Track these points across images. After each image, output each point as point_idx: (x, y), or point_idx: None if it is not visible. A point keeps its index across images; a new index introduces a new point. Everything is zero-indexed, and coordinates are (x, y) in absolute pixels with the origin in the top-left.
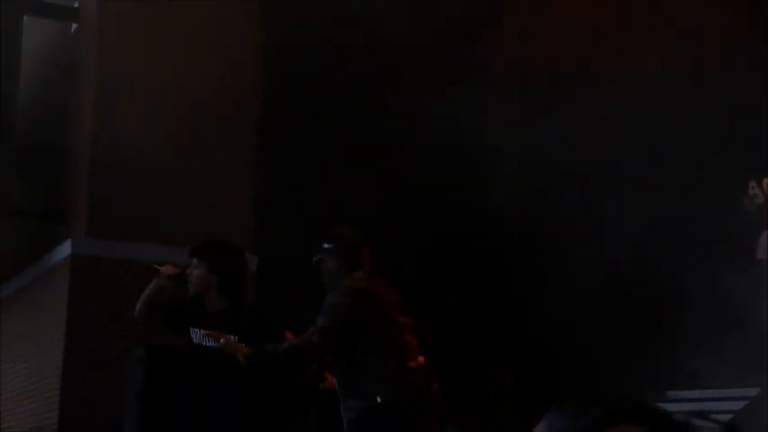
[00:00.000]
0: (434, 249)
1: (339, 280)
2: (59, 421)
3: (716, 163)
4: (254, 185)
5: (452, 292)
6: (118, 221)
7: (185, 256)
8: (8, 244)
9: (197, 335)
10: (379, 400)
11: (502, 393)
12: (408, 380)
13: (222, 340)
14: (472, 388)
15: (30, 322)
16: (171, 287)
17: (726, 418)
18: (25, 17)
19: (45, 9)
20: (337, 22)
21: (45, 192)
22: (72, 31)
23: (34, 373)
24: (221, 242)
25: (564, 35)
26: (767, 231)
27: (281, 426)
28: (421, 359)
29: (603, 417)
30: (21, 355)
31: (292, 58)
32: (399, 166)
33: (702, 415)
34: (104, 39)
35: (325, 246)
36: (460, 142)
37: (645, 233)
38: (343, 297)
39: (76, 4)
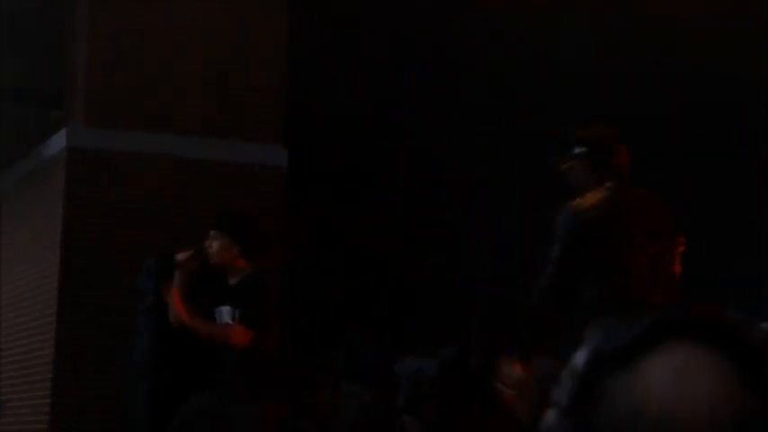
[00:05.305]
0: None
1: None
2: (56, 336)
3: None
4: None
5: None
6: (122, 107)
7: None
8: (4, 129)
9: (220, 314)
10: None
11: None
12: None
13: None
14: None
15: (27, 221)
16: (197, 267)
17: None
18: None
19: None
20: None
21: (37, 70)
22: None
23: (33, 278)
24: (245, 213)
25: None
26: None
27: None
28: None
29: (650, 331)
30: (21, 255)
31: None
32: None
33: None
34: None
35: (576, 150)
36: None
37: None
38: (562, 225)
39: None
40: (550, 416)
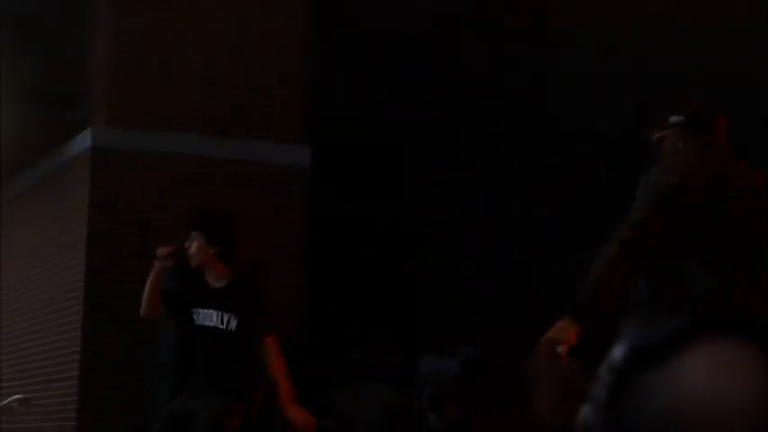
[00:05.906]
0: None
1: None
2: (82, 334)
3: None
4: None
5: None
6: (142, 107)
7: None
8: (22, 130)
9: (198, 315)
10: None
11: None
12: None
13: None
14: None
15: (51, 219)
16: (174, 265)
17: None
18: None
19: None
20: None
21: (59, 72)
22: None
23: (53, 281)
24: (219, 212)
25: None
26: None
27: None
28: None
29: (684, 329)
30: (38, 256)
31: None
32: None
33: None
34: None
35: (673, 120)
36: None
37: None
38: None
39: None
40: (587, 411)
